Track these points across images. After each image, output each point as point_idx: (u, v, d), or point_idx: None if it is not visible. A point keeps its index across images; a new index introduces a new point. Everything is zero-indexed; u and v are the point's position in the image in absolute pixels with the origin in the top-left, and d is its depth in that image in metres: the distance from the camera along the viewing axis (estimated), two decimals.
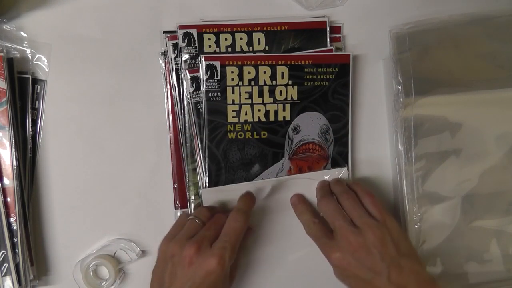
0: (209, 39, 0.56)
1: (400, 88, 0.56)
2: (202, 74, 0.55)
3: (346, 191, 0.53)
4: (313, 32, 0.57)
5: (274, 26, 0.56)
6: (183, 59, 0.56)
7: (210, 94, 0.55)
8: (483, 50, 0.57)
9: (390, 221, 0.50)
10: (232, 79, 0.55)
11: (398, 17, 0.58)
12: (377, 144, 0.60)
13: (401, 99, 0.56)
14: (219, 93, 0.55)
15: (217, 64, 0.55)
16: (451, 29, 0.57)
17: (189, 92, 0.55)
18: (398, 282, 0.46)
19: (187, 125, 0.56)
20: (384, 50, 0.58)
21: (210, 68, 0.54)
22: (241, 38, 0.56)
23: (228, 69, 0.55)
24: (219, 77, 0.55)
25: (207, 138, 0.55)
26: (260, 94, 0.56)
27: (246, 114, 0.56)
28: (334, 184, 0.55)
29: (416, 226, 0.57)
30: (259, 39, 0.56)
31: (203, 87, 0.55)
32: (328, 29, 0.57)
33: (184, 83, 0.56)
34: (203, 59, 0.54)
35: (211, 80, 0.55)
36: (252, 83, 0.55)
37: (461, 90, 0.56)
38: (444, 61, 0.57)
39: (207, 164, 0.55)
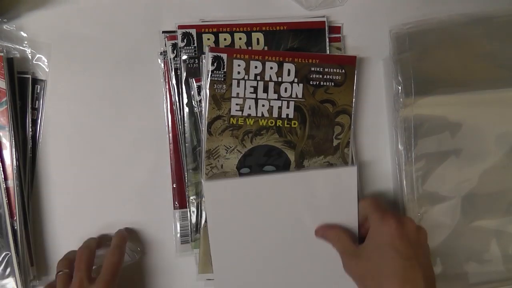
0: (208, 39, 0.56)
1: (400, 88, 0.56)
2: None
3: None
4: (312, 32, 0.57)
5: (273, 26, 0.56)
6: (182, 59, 0.56)
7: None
8: (483, 50, 0.57)
9: None
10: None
11: (398, 17, 0.58)
12: (377, 144, 0.60)
13: (401, 99, 0.56)
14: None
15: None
16: (451, 29, 0.57)
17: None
18: None
19: (186, 124, 0.56)
20: (384, 50, 0.58)
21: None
22: (240, 38, 0.56)
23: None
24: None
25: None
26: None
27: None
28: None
29: None
30: (258, 39, 0.56)
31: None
32: (327, 29, 0.57)
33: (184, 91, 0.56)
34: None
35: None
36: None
37: (461, 90, 0.56)
38: (444, 61, 0.57)
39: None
